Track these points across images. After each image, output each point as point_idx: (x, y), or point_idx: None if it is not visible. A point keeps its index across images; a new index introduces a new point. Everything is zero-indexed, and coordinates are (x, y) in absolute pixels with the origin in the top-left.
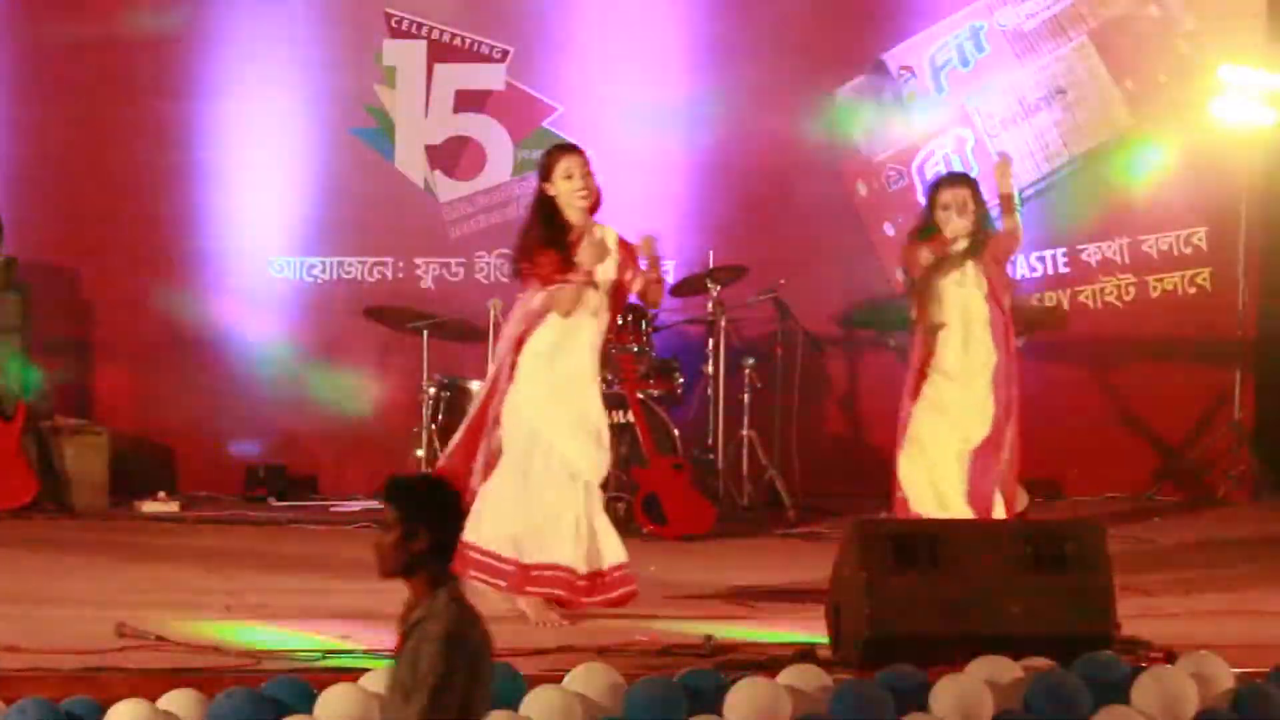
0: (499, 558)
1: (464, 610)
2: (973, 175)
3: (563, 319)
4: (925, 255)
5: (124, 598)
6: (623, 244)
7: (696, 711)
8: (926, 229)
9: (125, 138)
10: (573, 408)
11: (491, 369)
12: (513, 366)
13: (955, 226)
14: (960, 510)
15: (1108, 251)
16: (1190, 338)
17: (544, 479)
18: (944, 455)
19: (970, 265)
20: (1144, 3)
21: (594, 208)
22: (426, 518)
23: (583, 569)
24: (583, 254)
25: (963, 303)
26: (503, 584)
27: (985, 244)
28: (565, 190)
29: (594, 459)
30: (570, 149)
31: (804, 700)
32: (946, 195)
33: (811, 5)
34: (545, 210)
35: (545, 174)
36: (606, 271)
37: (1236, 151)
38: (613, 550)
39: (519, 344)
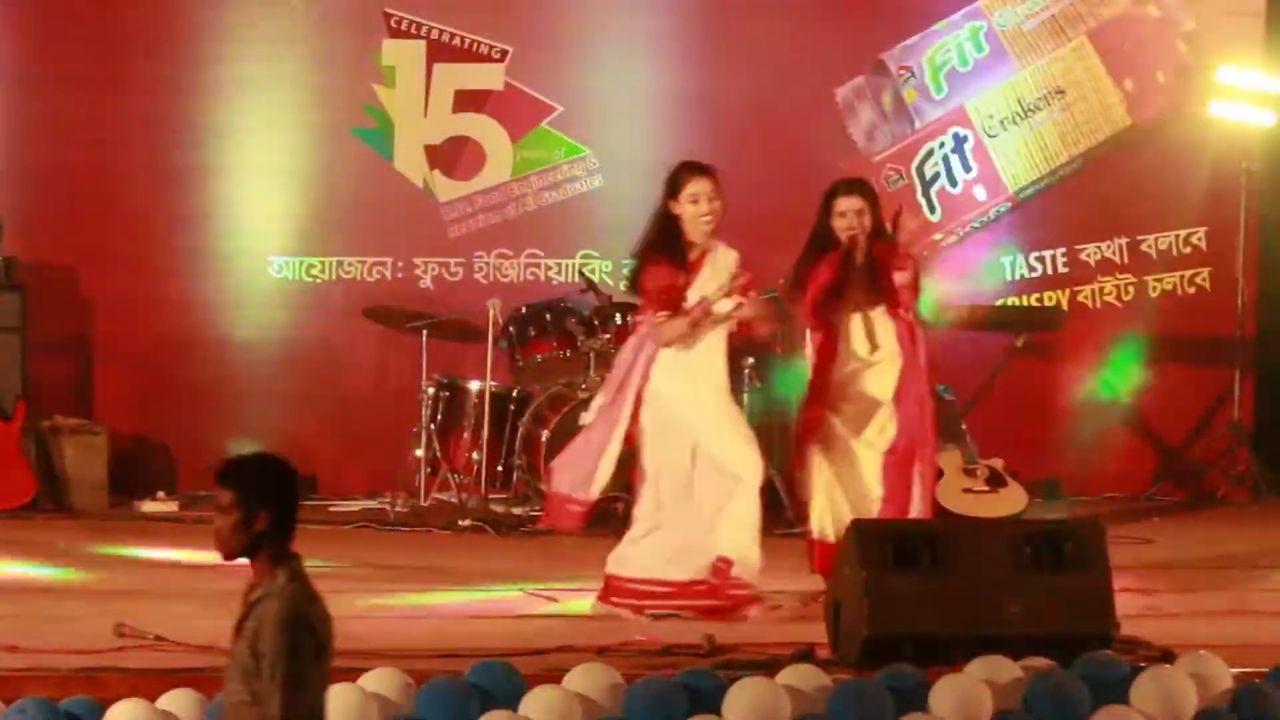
0: (655, 582)
1: (303, 588)
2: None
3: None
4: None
5: (124, 598)
6: (742, 270)
7: (696, 711)
8: (821, 237)
9: (125, 137)
10: (721, 414)
11: (622, 393)
12: (642, 391)
13: (851, 232)
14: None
15: (1107, 251)
16: (1190, 338)
17: (702, 490)
18: (854, 464)
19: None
20: (1144, 3)
21: (716, 229)
22: (266, 498)
23: (710, 579)
24: (706, 290)
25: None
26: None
27: (880, 256)
28: (690, 213)
29: (751, 460)
30: (700, 170)
31: (804, 700)
32: (843, 203)
33: (811, 5)
34: (667, 226)
35: (672, 191)
36: (723, 307)
37: (1236, 152)
38: (744, 567)
39: (651, 362)
